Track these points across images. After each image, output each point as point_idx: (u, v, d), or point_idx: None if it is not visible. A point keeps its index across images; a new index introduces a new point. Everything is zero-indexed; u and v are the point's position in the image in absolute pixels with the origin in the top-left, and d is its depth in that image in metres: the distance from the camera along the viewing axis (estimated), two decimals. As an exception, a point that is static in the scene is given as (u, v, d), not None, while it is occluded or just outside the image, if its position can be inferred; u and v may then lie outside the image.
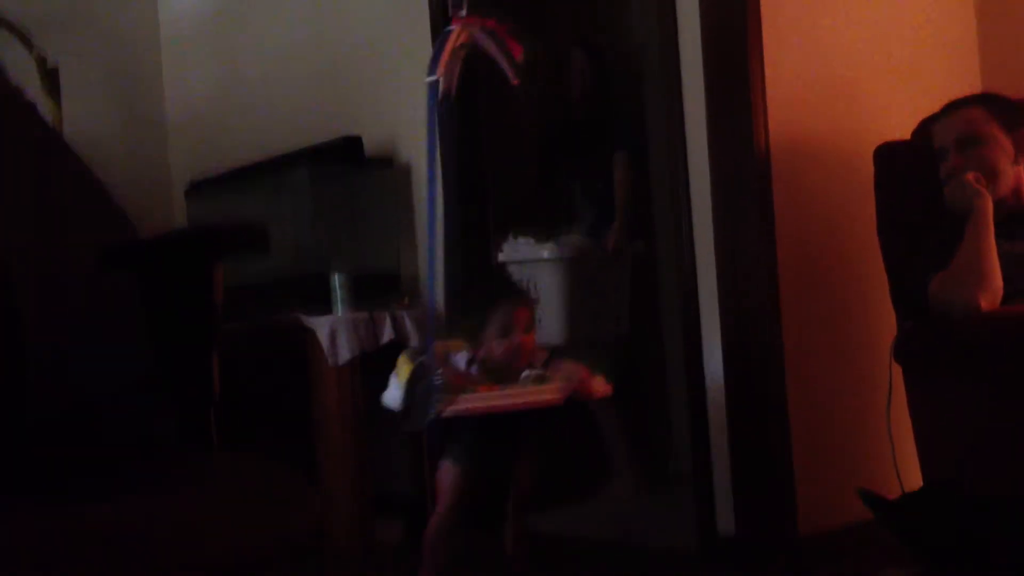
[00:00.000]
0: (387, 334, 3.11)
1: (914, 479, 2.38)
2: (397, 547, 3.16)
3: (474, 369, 2.36)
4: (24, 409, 1.56)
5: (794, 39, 2.74)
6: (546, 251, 3.49)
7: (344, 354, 3.04)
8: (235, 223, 1.92)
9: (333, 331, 3.05)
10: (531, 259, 3.50)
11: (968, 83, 3.04)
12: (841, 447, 2.74)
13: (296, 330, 3.13)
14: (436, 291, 2.51)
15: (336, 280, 3.17)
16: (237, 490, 1.33)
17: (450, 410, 2.20)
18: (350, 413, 3.07)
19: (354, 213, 3.40)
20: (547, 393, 2.27)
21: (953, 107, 2.48)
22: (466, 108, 3.29)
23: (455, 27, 2.29)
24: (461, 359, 2.37)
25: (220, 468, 1.47)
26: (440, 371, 2.24)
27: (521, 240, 3.53)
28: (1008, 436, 2.14)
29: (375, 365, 2.76)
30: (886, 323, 2.51)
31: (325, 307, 3.16)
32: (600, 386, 2.34)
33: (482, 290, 2.55)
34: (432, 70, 2.21)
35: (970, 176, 2.33)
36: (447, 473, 2.39)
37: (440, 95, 2.33)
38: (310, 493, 1.35)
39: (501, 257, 3.53)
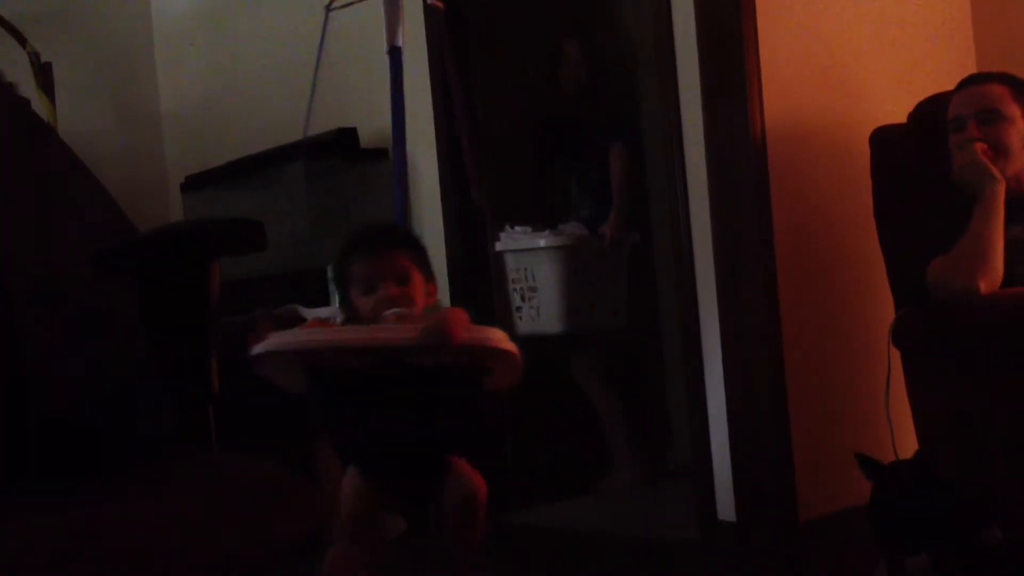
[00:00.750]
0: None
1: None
2: (399, 544, 3.14)
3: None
4: (22, 408, 1.56)
5: (789, 25, 2.74)
6: (543, 239, 3.48)
7: (343, 345, 3.03)
8: (231, 219, 1.91)
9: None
10: (528, 247, 3.49)
11: (964, 67, 3.03)
12: (840, 433, 2.73)
13: (294, 322, 3.12)
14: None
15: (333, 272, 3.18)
16: (237, 489, 1.33)
17: (258, 347, 1.81)
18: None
19: (350, 204, 3.39)
20: (398, 332, 1.78)
21: (976, 80, 2.47)
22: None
23: None
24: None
25: (219, 467, 1.47)
26: (261, 313, 1.90)
27: (518, 228, 3.52)
28: (1007, 420, 2.14)
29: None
30: (884, 308, 2.51)
31: (322, 299, 3.16)
32: (473, 332, 1.77)
33: (345, 247, 2.01)
34: None
35: (978, 147, 2.32)
36: (347, 482, 1.97)
37: (387, 46, 2.24)
38: (310, 492, 1.35)
39: (498, 246, 3.52)
